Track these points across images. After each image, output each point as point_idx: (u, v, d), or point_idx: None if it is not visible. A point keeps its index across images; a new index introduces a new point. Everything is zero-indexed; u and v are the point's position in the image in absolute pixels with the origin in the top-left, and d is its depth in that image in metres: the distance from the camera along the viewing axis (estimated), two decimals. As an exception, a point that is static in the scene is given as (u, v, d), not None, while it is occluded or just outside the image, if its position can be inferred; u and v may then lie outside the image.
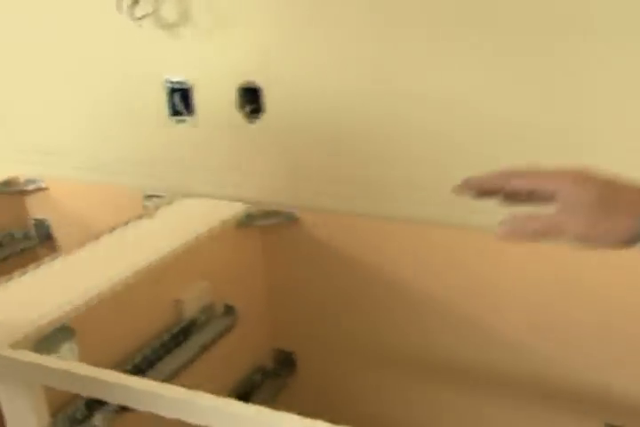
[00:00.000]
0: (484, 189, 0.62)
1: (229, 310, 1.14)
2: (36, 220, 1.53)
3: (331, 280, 1.29)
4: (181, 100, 1.30)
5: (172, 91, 1.30)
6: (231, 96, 1.24)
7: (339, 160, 1.20)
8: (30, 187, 1.49)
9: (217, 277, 1.17)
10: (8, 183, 1.49)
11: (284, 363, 1.36)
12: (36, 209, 1.53)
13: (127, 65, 1.31)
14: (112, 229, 1.19)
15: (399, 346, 1.27)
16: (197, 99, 1.28)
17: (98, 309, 0.94)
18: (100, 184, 1.44)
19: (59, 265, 1.06)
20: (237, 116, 1.25)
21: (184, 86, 1.28)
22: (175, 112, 1.31)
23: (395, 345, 1.27)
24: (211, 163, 1.32)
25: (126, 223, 1.21)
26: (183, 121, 1.30)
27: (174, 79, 1.28)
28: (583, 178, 0.59)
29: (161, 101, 1.31)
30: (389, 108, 1.14)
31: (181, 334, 1.06)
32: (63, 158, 1.47)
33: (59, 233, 1.53)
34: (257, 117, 1.23)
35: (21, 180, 1.51)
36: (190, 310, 1.10)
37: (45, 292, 0.97)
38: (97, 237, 1.16)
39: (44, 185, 1.48)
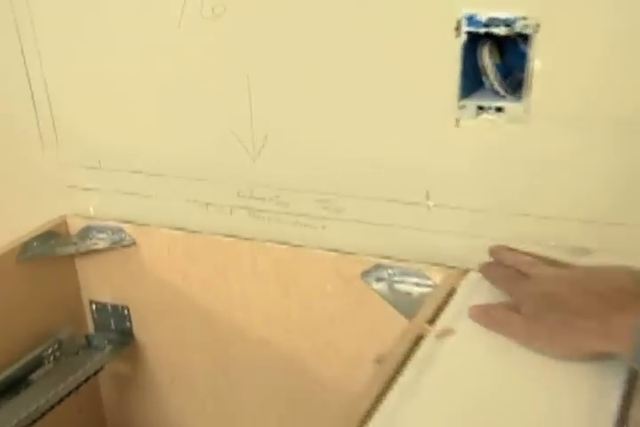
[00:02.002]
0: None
1: None
2: (101, 306, 0.79)
3: None
4: (495, 61, 0.61)
5: (474, 41, 0.59)
6: None
7: None
8: (97, 241, 0.74)
9: None
10: (51, 235, 0.73)
11: None
12: (106, 287, 0.80)
13: None
14: (395, 372, 0.48)
15: None
16: (541, 59, 0.56)
17: None
18: (256, 240, 0.73)
19: None
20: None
21: (515, 30, 0.55)
22: (470, 89, 0.61)
23: None
24: (554, 201, 0.59)
25: (411, 352, 0.51)
26: (496, 109, 0.60)
27: (487, 16, 0.58)
28: (543, 293, 0.54)
29: (444, 66, 0.59)
30: None
31: None
32: (170, 183, 0.75)
33: (149, 334, 0.80)
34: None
35: (77, 226, 0.75)
36: None
37: None
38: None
39: (127, 238, 0.74)
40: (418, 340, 0.55)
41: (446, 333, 0.55)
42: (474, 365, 0.52)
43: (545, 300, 0.53)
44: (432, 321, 0.56)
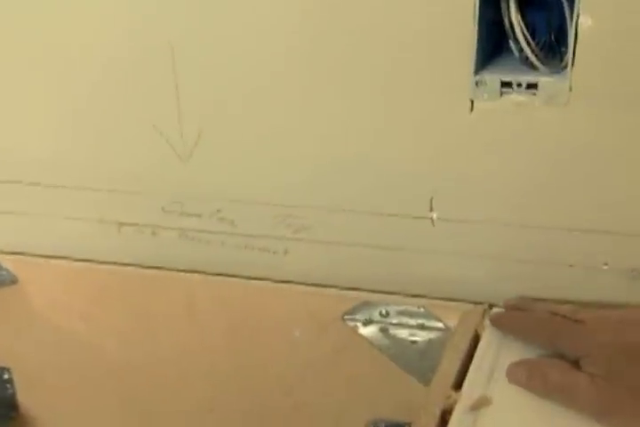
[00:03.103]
0: None
1: None
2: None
3: None
4: (524, 20, 0.44)
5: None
6: None
7: None
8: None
9: None
10: None
11: None
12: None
13: None
14: None
15: None
16: (591, 15, 0.40)
17: None
18: (192, 272, 0.53)
19: None
20: None
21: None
22: (484, 60, 0.44)
23: None
24: (609, 211, 0.44)
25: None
26: (527, 86, 0.44)
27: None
28: (616, 344, 0.39)
29: (452, 28, 0.41)
30: None
31: None
32: (65, 196, 0.55)
33: (41, 403, 0.59)
34: None
35: None
36: None
37: None
38: None
39: (5, 276, 0.52)
40: (445, 415, 0.39)
41: (481, 403, 0.39)
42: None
43: (622, 353, 0.38)
44: (458, 385, 0.41)
